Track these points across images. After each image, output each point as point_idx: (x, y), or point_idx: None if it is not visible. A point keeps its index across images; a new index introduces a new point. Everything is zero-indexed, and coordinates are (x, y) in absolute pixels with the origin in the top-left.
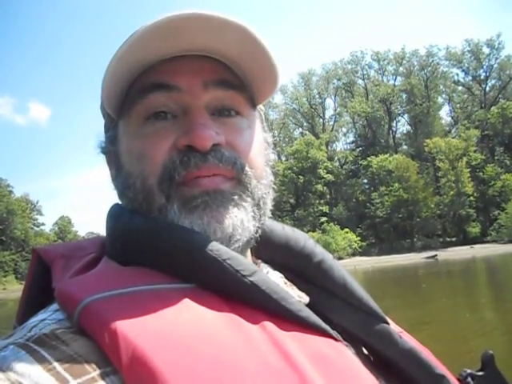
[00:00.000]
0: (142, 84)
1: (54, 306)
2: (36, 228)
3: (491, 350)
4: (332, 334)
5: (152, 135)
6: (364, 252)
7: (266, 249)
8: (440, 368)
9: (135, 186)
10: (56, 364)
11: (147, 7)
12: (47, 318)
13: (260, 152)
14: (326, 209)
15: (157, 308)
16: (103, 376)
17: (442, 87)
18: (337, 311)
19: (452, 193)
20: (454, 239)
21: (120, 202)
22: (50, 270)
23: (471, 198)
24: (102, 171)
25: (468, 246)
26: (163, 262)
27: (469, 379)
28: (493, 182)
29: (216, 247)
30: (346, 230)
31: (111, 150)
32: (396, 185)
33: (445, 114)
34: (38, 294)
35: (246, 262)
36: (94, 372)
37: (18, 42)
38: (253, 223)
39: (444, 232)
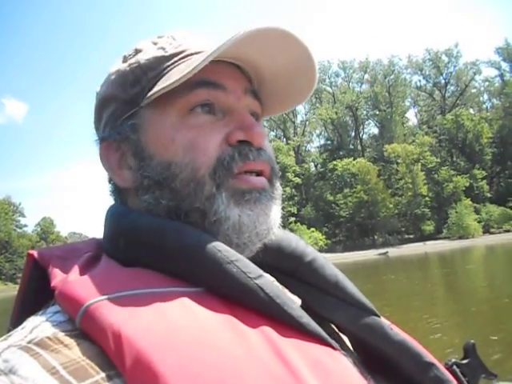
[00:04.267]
0: (190, 78)
1: (54, 308)
2: (19, 229)
3: (472, 340)
4: (331, 343)
5: (201, 127)
6: (329, 249)
7: (259, 251)
8: (429, 357)
9: (182, 176)
10: (59, 368)
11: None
12: (48, 320)
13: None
14: (294, 210)
15: (161, 311)
16: (107, 379)
17: (407, 92)
18: (330, 308)
19: (409, 194)
20: (411, 236)
21: (141, 192)
22: (46, 273)
23: (426, 198)
24: (83, 167)
25: (421, 243)
26: (168, 261)
27: (454, 367)
28: (446, 184)
29: (223, 248)
30: (313, 229)
31: (131, 138)
32: (358, 187)
33: (413, 116)
34: (34, 298)
35: (252, 265)
36: (97, 375)
37: None
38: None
39: (405, 230)
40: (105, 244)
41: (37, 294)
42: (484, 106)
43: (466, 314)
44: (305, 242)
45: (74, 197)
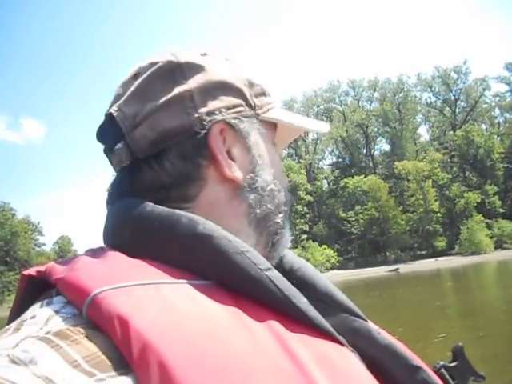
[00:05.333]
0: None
1: (60, 298)
2: (37, 248)
3: (460, 343)
4: (338, 339)
5: (280, 164)
6: (342, 266)
7: None
8: (416, 360)
9: (280, 195)
10: (81, 360)
11: (138, 31)
12: (60, 312)
13: None
14: (306, 227)
15: (169, 302)
16: (126, 373)
17: (418, 109)
18: (320, 313)
19: (421, 210)
20: (423, 252)
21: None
22: (41, 288)
23: (438, 214)
24: (99, 184)
25: (433, 259)
26: (177, 251)
27: (442, 370)
28: (457, 200)
29: (234, 239)
30: (325, 246)
31: (251, 137)
32: (370, 204)
33: (425, 132)
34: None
35: (261, 257)
36: (119, 366)
37: (6, 57)
38: None
39: (417, 246)
40: (106, 240)
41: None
42: (496, 120)
43: (482, 329)
44: (293, 253)
45: (92, 215)
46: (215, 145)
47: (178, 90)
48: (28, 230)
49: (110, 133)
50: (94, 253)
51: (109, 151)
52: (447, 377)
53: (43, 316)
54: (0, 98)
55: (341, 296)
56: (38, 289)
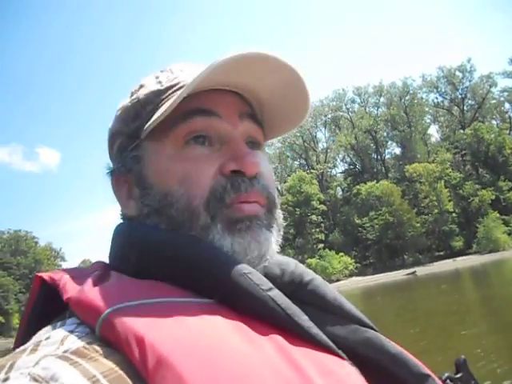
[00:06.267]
0: (184, 108)
1: (74, 320)
2: None
3: (463, 355)
4: (339, 353)
5: (196, 159)
6: (360, 272)
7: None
8: (425, 369)
9: (177, 206)
10: (99, 375)
11: (152, 53)
12: (75, 331)
13: (275, 183)
14: (322, 236)
15: (179, 320)
16: None
17: (426, 110)
18: (330, 325)
19: (436, 211)
20: (441, 253)
21: (144, 218)
22: (52, 295)
23: (453, 214)
24: (115, 208)
25: (451, 260)
26: (182, 273)
27: (448, 381)
28: (471, 199)
29: (237, 261)
30: (342, 253)
31: (134, 170)
32: (384, 209)
33: (435, 132)
34: (41, 320)
35: (263, 278)
36: (136, 381)
37: (18, 87)
38: (276, 247)
39: (435, 247)
40: (112, 261)
41: (42, 318)
42: (507, 115)
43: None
44: (302, 265)
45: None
46: (115, 195)
47: None
48: (51, 257)
49: None
50: (101, 274)
51: None
52: None
53: (58, 337)
54: (16, 130)
55: (350, 307)
56: (49, 296)
